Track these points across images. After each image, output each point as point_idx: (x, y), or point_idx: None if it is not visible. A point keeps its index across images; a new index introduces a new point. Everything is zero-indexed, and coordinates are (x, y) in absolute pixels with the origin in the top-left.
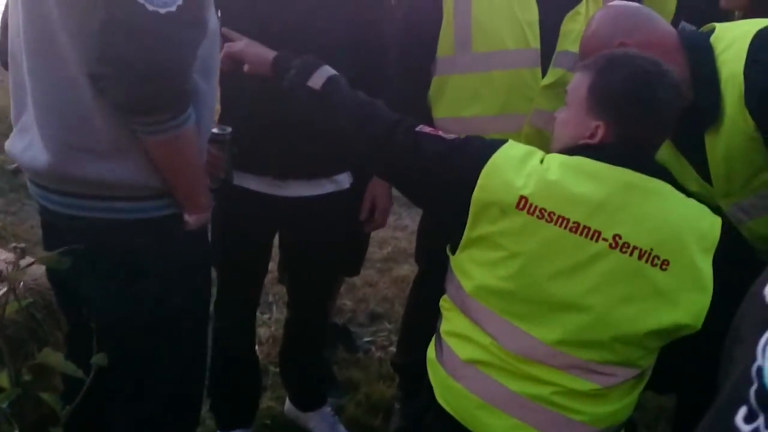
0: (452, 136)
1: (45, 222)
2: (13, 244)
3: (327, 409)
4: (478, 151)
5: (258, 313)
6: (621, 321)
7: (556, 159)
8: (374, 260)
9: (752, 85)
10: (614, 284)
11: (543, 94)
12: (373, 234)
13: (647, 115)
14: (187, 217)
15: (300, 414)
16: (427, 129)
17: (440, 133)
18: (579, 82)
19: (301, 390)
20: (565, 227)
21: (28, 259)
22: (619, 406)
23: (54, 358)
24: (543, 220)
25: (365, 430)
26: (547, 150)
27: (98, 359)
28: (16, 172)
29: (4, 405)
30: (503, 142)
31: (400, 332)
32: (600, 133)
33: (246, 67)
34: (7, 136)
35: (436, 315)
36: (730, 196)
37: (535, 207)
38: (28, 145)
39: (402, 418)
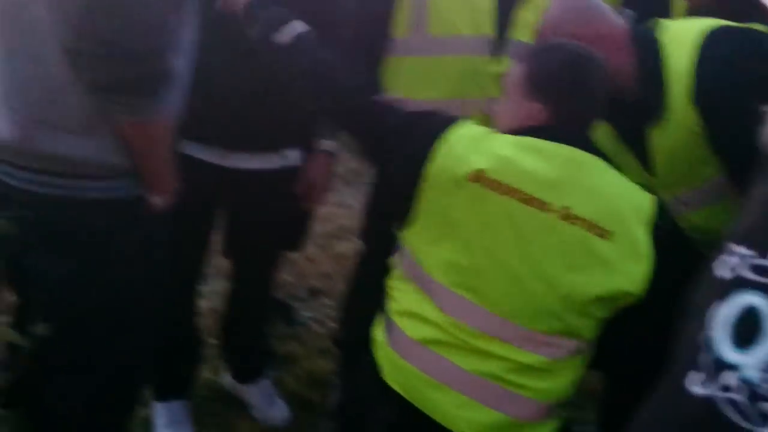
0: (412, 108)
1: None
2: None
3: (266, 382)
4: (435, 125)
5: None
6: (569, 289)
7: (506, 138)
8: (315, 236)
9: (703, 84)
10: (563, 254)
11: (495, 83)
12: (317, 210)
13: (582, 95)
14: (153, 198)
15: (238, 386)
16: (388, 99)
17: (400, 104)
18: (515, 71)
19: (241, 363)
20: (517, 199)
21: None
22: (563, 382)
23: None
24: (496, 192)
25: (305, 404)
26: None
27: (40, 329)
28: None
29: None
30: (458, 119)
31: (343, 309)
32: (541, 115)
33: (221, 3)
34: None
35: (379, 293)
36: (672, 188)
37: (488, 180)
38: None
39: (342, 393)
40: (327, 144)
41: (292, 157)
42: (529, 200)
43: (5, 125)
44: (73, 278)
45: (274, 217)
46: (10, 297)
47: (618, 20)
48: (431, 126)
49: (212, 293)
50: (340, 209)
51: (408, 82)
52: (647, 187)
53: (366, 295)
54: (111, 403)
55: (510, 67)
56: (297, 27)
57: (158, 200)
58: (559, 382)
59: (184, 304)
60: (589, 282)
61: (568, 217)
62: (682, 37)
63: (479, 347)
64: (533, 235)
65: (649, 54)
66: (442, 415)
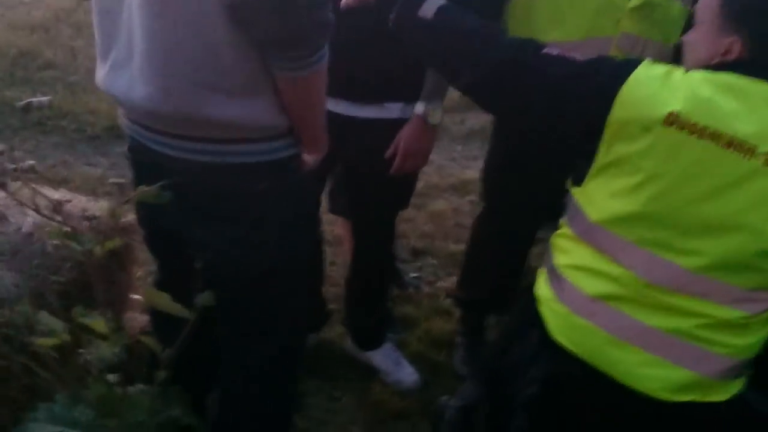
0: (583, 57)
1: (141, 163)
2: (112, 180)
3: (389, 345)
4: (615, 69)
5: None
6: None
7: (700, 75)
8: None
9: None
10: None
11: (630, 16)
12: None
13: None
14: (307, 157)
15: (363, 353)
16: (555, 51)
17: (569, 54)
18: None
19: (366, 330)
20: (719, 143)
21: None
22: (760, 336)
23: (160, 298)
24: (694, 136)
25: (430, 364)
26: None
27: (205, 298)
28: (27, 109)
29: (117, 350)
30: (639, 60)
31: (463, 267)
32: (736, 49)
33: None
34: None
35: (500, 251)
36: None
37: (685, 123)
38: (130, 84)
39: (467, 352)
40: (421, 107)
41: (395, 109)
42: (731, 144)
43: (157, 93)
44: (238, 244)
45: (387, 170)
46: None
47: None
48: (610, 68)
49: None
50: (427, 167)
51: (538, 24)
52: None
53: (489, 254)
54: (286, 367)
55: None
56: (437, 0)
57: (310, 158)
58: (755, 338)
59: (315, 268)
60: None
61: None
62: None
63: (667, 303)
64: (736, 183)
65: None
66: (624, 374)
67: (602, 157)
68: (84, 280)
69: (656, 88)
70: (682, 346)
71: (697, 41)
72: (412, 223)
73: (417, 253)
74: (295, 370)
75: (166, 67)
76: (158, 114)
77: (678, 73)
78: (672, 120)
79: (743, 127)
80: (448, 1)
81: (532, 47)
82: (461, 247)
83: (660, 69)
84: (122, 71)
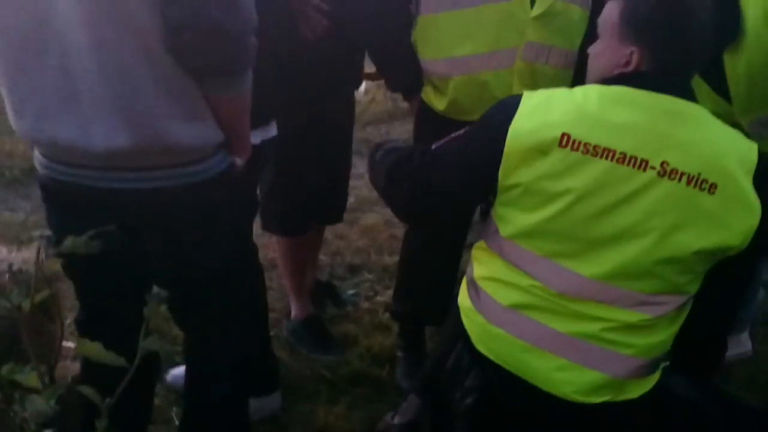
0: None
1: (70, 204)
2: (37, 232)
3: None
4: (499, 110)
5: None
6: (674, 248)
7: (594, 90)
8: None
9: None
10: (665, 212)
11: (533, 26)
12: None
13: (681, 38)
14: (236, 160)
15: None
16: (439, 142)
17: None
18: (609, 10)
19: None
20: (612, 159)
21: None
22: (667, 334)
23: (91, 348)
24: (588, 155)
25: (373, 382)
26: (542, 85)
27: (148, 343)
28: None
29: (52, 402)
30: (519, 95)
31: (397, 281)
32: (635, 59)
33: None
34: None
35: (432, 262)
36: (750, 112)
37: (579, 142)
38: (83, 128)
39: (408, 366)
40: None
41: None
42: (624, 159)
43: (120, 131)
44: (200, 250)
45: None
46: None
47: None
48: (496, 113)
49: None
50: (357, 180)
51: (443, 40)
52: (722, 116)
53: (421, 265)
54: (258, 348)
55: (606, 6)
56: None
57: (238, 160)
58: (662, 337)
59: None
60: (695, 238)
61: (669, 173)
62: None
63: (574, 310)
64: (633, 196)
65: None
66: (541, 380)
67: (503, 180)
68: (12, 334)
69: (542, 114)
70: (591, 349)
71: (598, 53)
72: (346, 240)
73: (353, 269)
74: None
75: (127, 105)
76: (119, 151)
77: (560, 94)
78: (565, 141)
79: (635, 141)
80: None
81: (419, 150)
82: (397, 259)
83: (541, 96)
84: (64, 117)
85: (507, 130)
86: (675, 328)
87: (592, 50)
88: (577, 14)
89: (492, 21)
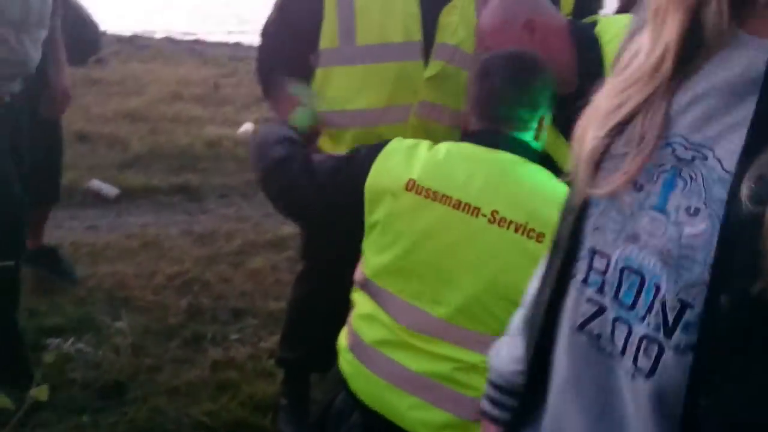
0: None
1: None
2: None
3: None
4: (368, 151)
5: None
6: (506, 290)
7: (444, 146)
8: (225, 254)
9: None
10: (496, 256)
11: (427, 86)
12: (218, 227)
13: (492, 100)
14: None
15: None
16: (318, 156)
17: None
18: (471, 83)
19: None
20: (449, 205)
21: None
22: None
23: None
24: (429, 200)
25: (255, 430)
26: (435, 141)
27: (40, 393)
28: None
29: None
30: (389, 141)
31: (285, 327)
32: (471, 122)
33: None
34: None
35: (321, 308)
36: None
37: (422, 188)
38: None
39: (292, 414)
40: None
41: None
42: (459, 206)
43: None
44: None
45: None
46: None
47: (558, 15)
48: (364, 153)
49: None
50: (243, 224)
51: (340, 92)
52: None
53: (310, 312)
54: None
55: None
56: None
57: None
58: None
59: None
60: (525, 281)
61: (498, 221)
62: (618, 31)
63: (428, 348)
64: (467, 240)
65: (588, 47)
66: (399, 418)
67: (367, 218)
68: None
69: (401, 158)
70: (441, 389)
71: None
72: (231, 283)
73: (237, 314)
74: None
75: None
76: None
77: (424, 145)
78: (411, 186)
79: (469, 190)
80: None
81: (298, 158)
82: (282, 304)
83: (408, 142)
84: None
85: (371, 165)
86: None
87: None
88: (467, 78)
89: (389, 78)
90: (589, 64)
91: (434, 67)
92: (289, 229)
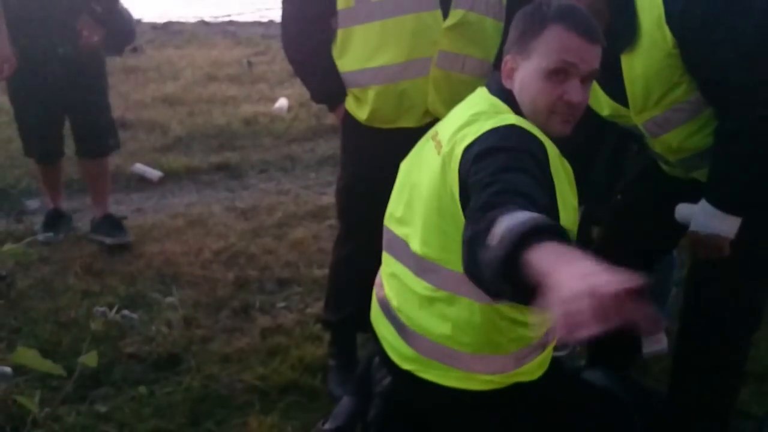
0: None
1: None
2: None
3: None
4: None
5: (162, 297)
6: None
7: None
8: (267, 227)
9: (672, 7)
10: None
11: (446, 36)
12: (260, 201)
13: None
14: None
15: None
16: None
17: None
18: None
19: None
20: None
21: None
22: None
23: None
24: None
25: (306, 390)
26: (459, 93)
27: (89, 359)
28: None
29: None
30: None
31: (328, 290)
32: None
33: None
34: None
35: (359, 269)
36: (645, 112)
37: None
38: None
39: (340, 374)
40: None
41: None
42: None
43: None
44: None
45: None
46: None
47: None
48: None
49: (179, 302)
50: (283, 197)
51: (360, 51)
52: (618, 117)
53: (350, 273)
54: None
55: None
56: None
57: None
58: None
59: None
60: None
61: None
62: None
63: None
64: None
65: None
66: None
67: None
68: None
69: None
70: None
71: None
72: (275, 254)
73: (283, 283)
74: None
75: None
76: None
77: None
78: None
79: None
80: None
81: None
82: (325, 271)
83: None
84: None
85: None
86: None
87: None
88: (491, 25)
89: (406, 31)
90: (620, 1)
91: (454, 15)
92: (329, 198)
